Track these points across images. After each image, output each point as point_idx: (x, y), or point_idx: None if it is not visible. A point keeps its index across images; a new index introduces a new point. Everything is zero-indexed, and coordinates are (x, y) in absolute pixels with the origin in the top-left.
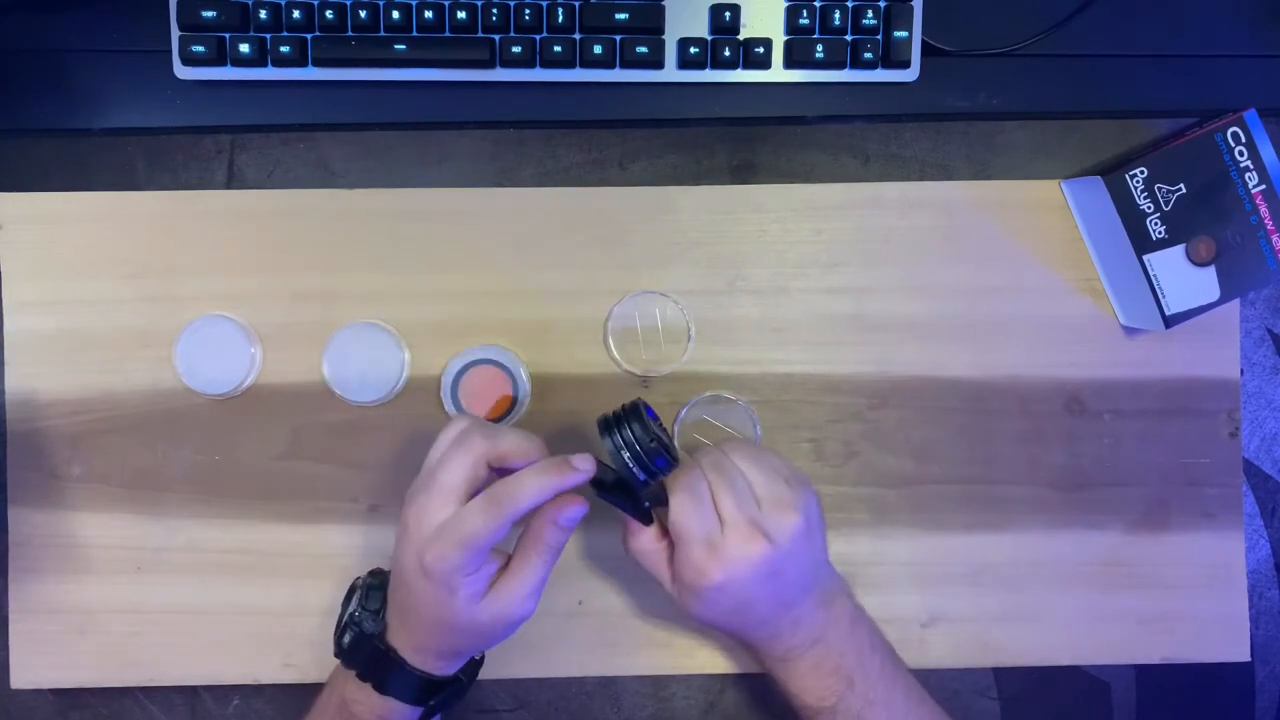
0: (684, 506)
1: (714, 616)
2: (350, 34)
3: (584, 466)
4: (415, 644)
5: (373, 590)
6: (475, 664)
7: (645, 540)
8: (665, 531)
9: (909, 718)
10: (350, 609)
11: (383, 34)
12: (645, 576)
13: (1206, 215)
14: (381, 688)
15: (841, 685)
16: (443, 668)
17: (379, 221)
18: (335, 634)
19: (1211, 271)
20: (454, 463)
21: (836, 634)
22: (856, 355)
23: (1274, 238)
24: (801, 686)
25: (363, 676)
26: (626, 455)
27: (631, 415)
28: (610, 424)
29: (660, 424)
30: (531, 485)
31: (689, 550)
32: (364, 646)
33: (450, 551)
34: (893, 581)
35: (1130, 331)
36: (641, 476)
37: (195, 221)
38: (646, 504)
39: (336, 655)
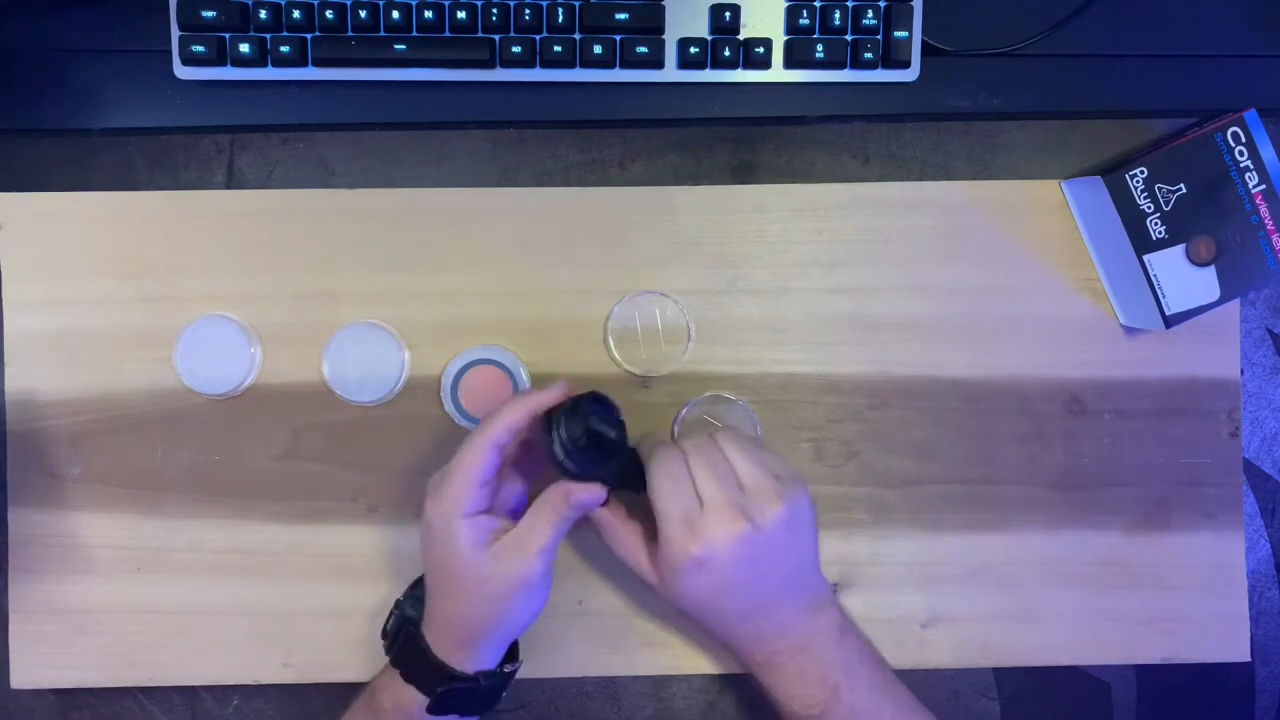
0: (660, 486)
1: (695, 602)
2: (350, 34)
3: (554, 392)
4: (438, 625)
5: (422, 580)
6: (501, 676)
7: (608, 516)
8: (636, 515)
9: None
10: (399, 596)
11: (383, 34)
12: None
13: (1206, 215)
14: (406, 675)
15: (827, 695)
16: (462, 660)
17: (379, 221)
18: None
19: (1211, 271)
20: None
21: (823, 644)
22: (856, 355)
23: (1274, 238)
24: (787, 694)
25: (394, 662)
26: (559, 450)
27: (571, 414)
28: (551, 419)
29: (612, 415)
30: (506, 407)
31: (665, 527)
32: (400, 631)
33: (446, 491)
34: (893, 581)
35: (1130, 331)
36: (572, 469)
37: (195, 221)
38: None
39: (382, 641)
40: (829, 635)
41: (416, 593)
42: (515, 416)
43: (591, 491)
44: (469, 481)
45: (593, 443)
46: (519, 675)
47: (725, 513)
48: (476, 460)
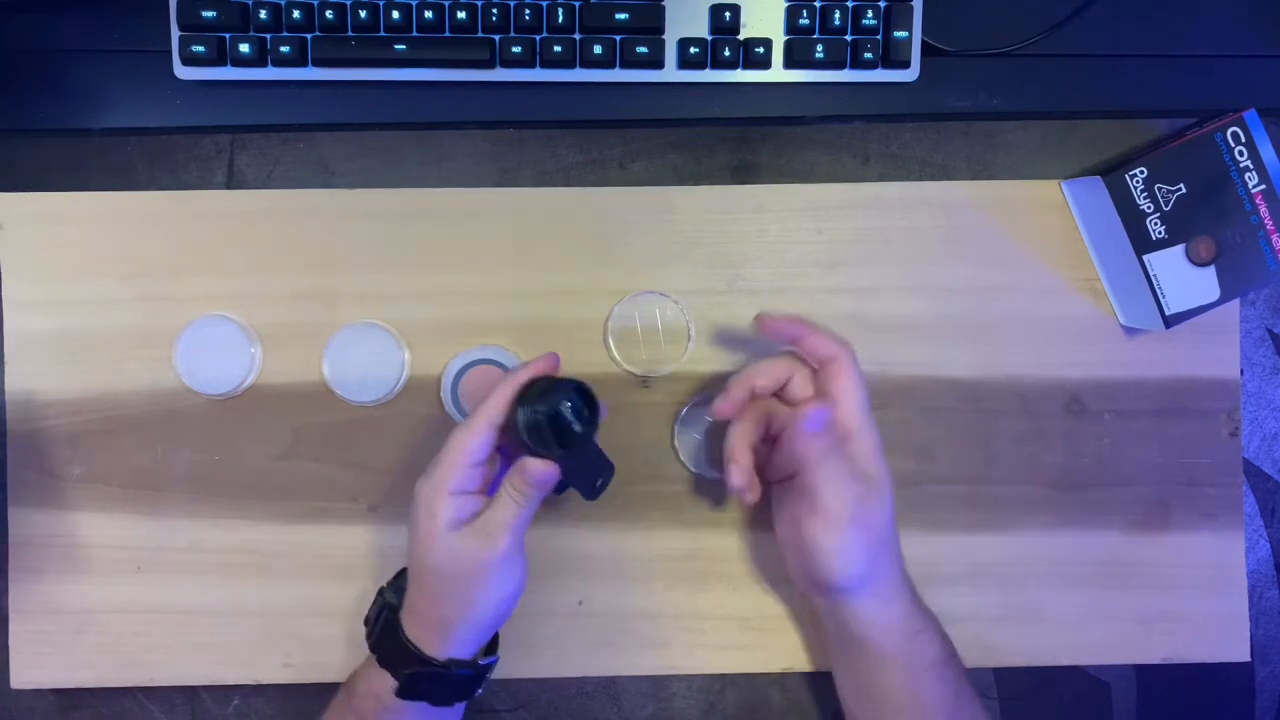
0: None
1: (881, 528)
2: (350, 34)
3: (541, 363)
4: (414, 610)
5: (405, 569)
6: (475, 667)
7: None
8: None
9: (965, 679)
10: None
11: (383, 34)
12: (645, 576)
13: (1206, 215)
14: (381, 660)
15: (936, 627)
16: (437, 646)
17: (379, 221)
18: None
19: (1211, 271)
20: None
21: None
22: (857, 355)
23: (1274, 238)
24: (915, 623)
25: (372, 648)
26: (520, 420)
27: (546, 392)
28: (526, 390)
29: (587, 413)
30: (500, 386)
31: (866, 426)
32: (380, 616)
33: (436, 470)
34: None
35: (1130, 331)
36: (528, 443)
37: (195, 221)
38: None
39: (364, 628)
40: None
41: (400, 582)
42: (508, 392)
43: (544, 468)
44: (459, 459)
45: (553, 426)
46: (519, 675)
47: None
48: (469, 438)
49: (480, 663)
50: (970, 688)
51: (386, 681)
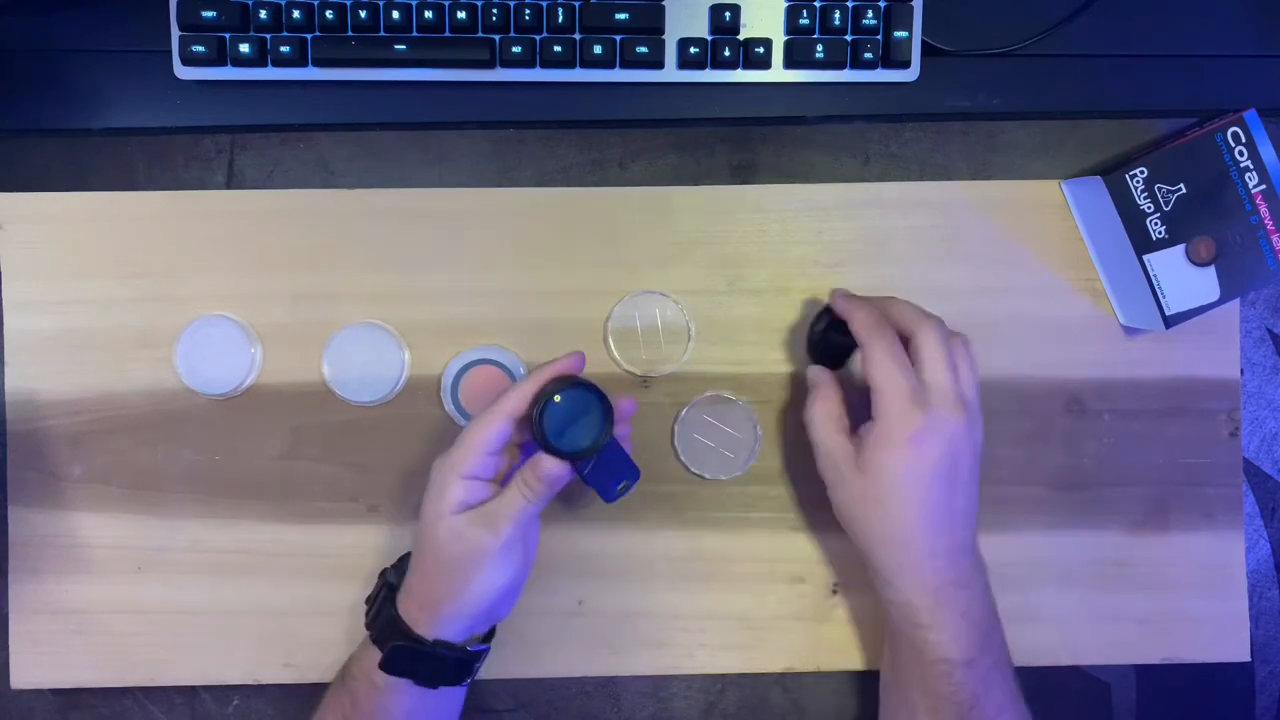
0: (882, 361)
1: (893, 486)
2: (350, 34)
3: (565, 362)
4: (410, 588)
5: (411, 554)
6: (461, 652)
7: (825, 378)
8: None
9: (1017, 699)
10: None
11: (383, 34)
12: (645, 576)
13: (1206, 215)
14: (374, 638)
15: (981, 639)
16: (427, 626)
17: (379, 221)
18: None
19: (1211, 271)
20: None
21: (982, 581)
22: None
23: (1274, 238)
24: (952, 633)
25: (368, 626)
26: (532, 421)
27: (558, 395)
28: (543, 391)
29: (598, 418)
30: (524, 380)
31: (888, 399)
32: (379, 594)
33: (454, 452)
34: None
35: (1130, 331)
36: (541, 443)
37: (195, 221)
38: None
39: (364, 608)
40: (983, 572)
41: (403, 565)
42: (531, 386)
43: (556, 466)
44: (476, 445)
45: (565, 426)
46: (519, 675)
47: (950, 399)
48: (487, 427)
49: (469, 649)
50: (1009, 700)
51: (373, 655)
